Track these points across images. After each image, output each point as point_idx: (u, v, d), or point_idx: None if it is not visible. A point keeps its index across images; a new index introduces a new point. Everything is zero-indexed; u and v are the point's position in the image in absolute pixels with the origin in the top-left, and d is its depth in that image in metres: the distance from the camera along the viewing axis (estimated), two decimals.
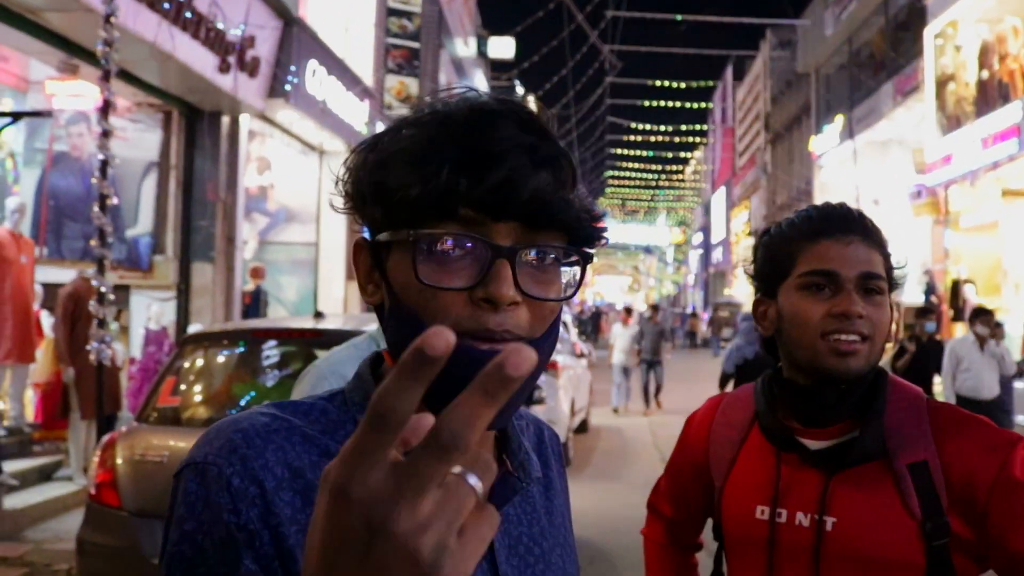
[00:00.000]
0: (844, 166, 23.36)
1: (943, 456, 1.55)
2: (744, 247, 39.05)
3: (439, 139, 0.90)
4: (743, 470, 1.72)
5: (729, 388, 8.37)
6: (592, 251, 0.97)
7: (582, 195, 0.96)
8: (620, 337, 16.86)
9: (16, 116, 6.83)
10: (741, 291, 35.83)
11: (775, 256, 1.69)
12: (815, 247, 1.63)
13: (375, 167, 0.94)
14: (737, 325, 10.10)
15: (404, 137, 0.93)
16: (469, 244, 0.90)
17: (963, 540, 1.53)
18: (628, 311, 18.22)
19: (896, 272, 1.68)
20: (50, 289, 9.10)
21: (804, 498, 1.62)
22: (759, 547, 1.66)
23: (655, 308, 19.54)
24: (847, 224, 1.63)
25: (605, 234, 0.99)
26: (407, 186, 0.90)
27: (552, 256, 0.94)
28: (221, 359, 5.15)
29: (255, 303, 12.25)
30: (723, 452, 1.76)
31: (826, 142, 25.58)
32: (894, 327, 1.68)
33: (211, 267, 11.38)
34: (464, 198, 0.88)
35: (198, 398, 5.00)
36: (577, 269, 0.97)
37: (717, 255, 52.26)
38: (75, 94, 10.15)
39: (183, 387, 4.94)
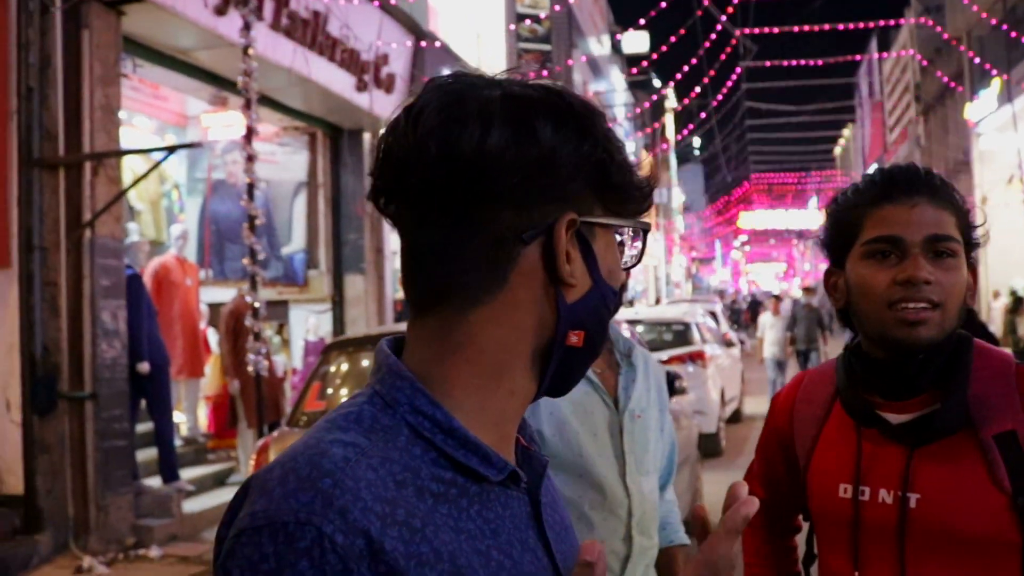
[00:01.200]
0: (1004, 132, 22.17)
1: None
2: None
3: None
4: (826, 447, 1.66)
5: None
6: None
7: None
8: (770, 328, 15.28)
9: (171, 149, 7.37)
10: None
11: (841, 224, 1.62)
12: (879, 212, 1.55)
13: (624, 164, 0.96)
14: None
15: (612, 137, 0.96)
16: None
17: None
18: (778, 299, 16.62)
19: (978, 231, 1.59)
20: (216, 308, 9.72)
21: (887, 474, 1.55)
22: (843, 526, 1.60)
23: (809, 291, 17.39)
24: (912, 185, 1.54)
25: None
26: (643, 187, 0.99)
27: None
28: (363, 363, 5.45)
29: (407, 310, 12.65)
30: (806, 430, 1.70)
31: (983, 108, 24.32)
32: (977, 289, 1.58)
33: (362, 278, 11.87)
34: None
35: (342, 401, 5.29)
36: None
37: None
38: (227, 124, 10.81)
39: (329, 391, 5.26)
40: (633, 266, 1.02)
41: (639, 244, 1.01)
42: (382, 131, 0.96)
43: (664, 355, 11.16)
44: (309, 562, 0.76)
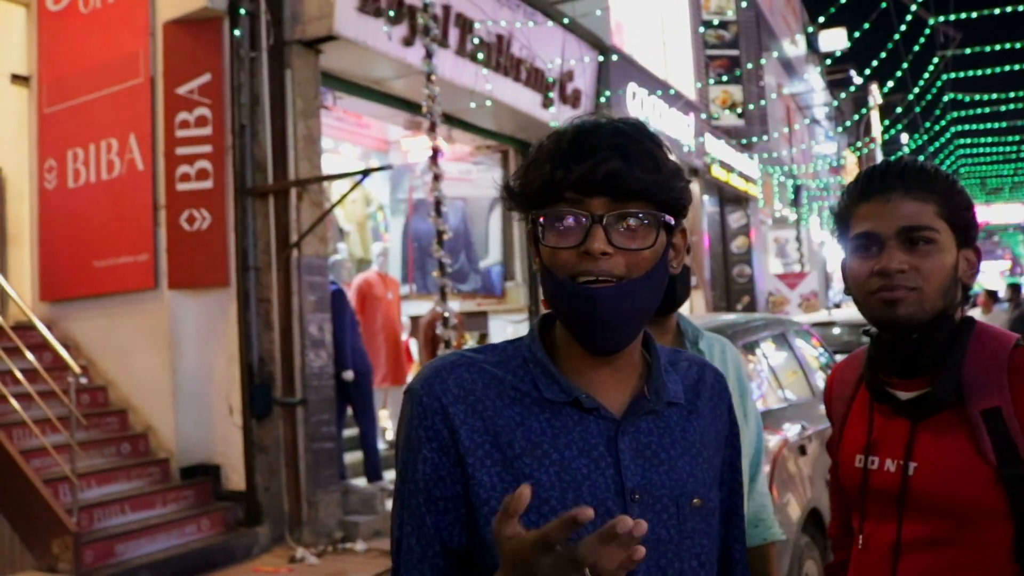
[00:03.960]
0: None
1: (1017, 401, 1.57)
2: None
3: (551, 148, 1.29)
4: (851, 423, 1.83)
5: None
6: (667, 215, 1.29)
7: (668, 175, 1.28)
8: None
9: (364, 173, 7.94)
10: None
11: (839, 222, 1.79)
12: (860, 210, 1.71)
13: (518, 173, 1.32)
14: None
15: (536, 151, 1.31)
16: (571, 217, 1.26)
17: None
18: (991, 295, 15.38)
19: (966, 213, 1.69)
20: (417, 320, 10.31)
21: (893, 445, 1.70)
22: (856, 493, 1.76)
23: (1016, 289, 15.72)
24: (886, 182, 1.69)
25: (683, 202, 1.31)
26: (532, 182, 1.29)
27: (637, 218, 1.26)
28: None
29: None
30: (839, 408, 1.88)
31: None
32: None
33: None
34: (565, 185, 1.25)
35: None
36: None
37: None
38: (425, 147, 11.44)
39: None
40: (556, 247, 1.27)
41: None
42: None
43: None
44: (412, 408, 1.32)
